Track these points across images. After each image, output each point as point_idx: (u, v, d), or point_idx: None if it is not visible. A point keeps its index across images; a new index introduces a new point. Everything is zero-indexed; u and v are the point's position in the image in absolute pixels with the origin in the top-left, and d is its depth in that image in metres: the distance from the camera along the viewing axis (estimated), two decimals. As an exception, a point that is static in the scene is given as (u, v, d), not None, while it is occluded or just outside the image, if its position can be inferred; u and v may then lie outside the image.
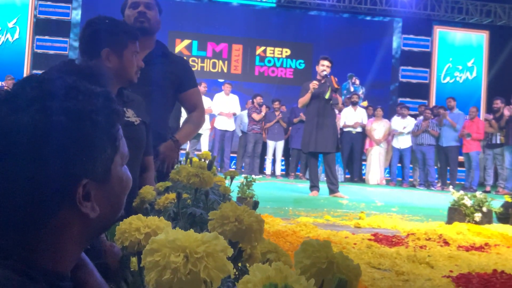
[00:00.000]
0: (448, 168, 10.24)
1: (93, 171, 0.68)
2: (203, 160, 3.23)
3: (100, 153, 0.69)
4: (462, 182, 10.31)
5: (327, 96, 6.73)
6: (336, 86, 6.73)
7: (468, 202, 4.71)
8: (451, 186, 6.15)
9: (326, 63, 6.82)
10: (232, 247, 0.82)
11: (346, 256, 0.60)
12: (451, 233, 4.02)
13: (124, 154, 0.76)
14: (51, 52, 12.45)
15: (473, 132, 9.79)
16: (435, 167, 10.31)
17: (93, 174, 0.68)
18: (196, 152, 9.66)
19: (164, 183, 1.89)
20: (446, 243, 3.68)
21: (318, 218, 4.55)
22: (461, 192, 4.92)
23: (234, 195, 4.06)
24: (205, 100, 10.02)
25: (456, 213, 4.75)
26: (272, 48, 13.28)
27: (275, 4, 13.34)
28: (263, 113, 10.27)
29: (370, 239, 3.65)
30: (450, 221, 4.69)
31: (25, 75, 11.02)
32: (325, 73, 6.77)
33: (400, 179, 10.62)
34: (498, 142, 9.66)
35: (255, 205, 1.33)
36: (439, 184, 10.17)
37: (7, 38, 12.33)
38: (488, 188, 9.69)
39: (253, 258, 0.86)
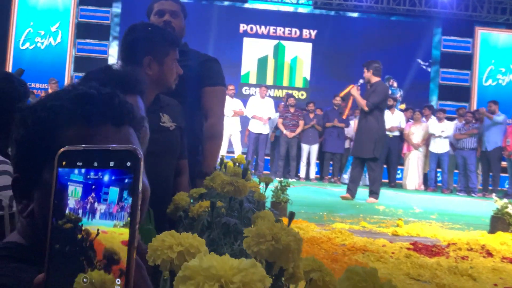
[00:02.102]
0: (491, 174, 9.87)
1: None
2: (237, 164, 3.21)
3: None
4: (505, 189, 9.91)
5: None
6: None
7: (512, 211, 4.51)
8: (494, 194, 5.91)
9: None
10: (269, 267, 0.78)
11: (395, 285, 0.55)
12: (495, 243, 3.86)
13: None
14: (92, 55, 12.77)
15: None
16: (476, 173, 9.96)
17: None
18: (229, 154, 9.68)
19: (198, 190, 1.87)
20: (490, 254, 3.53)
21: (354, 225, 4.45)
22: (505, 200, 4.72)
23: (268, 199, 4.03)
24: (236, 103, 10.01)
25: (499, 222, 4.56)
26: (308, 50, 13.17)
27: (312, 6, 13.24)
28: (298, 129, 10.22)
29: (408, 248, 3.53)
30: (493, 230, 4.50)
31: (66, 77, 11.42)
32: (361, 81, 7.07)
33: (439, 184, 10.32)
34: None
35: (291, 216, 1.28)
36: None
37: (50, 42, 12.73)
38: (533, 196, 9.29)
39: (296, 277, 0.82)
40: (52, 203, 0.43)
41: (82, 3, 12.82)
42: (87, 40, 12.83)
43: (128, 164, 0.42)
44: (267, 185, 2.34)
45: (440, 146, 9.99)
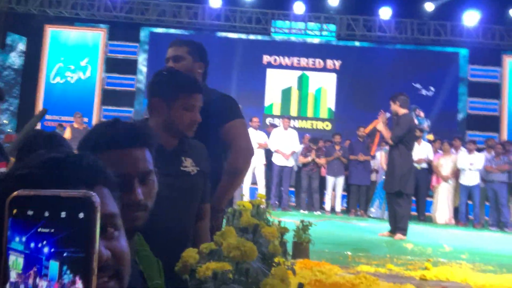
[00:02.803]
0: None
1: None
2: (255, 206, 3.13)
3: None
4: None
5: None
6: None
7: (549, 252, 4.26)
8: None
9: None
10: None
11: None
12: (530, 289, 3.63)
13: None
14: (120, 89, 13.06)
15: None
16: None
17: None
18: (253, 186, 9.59)
19: (209, 245, 1.79)
20: (525, 302, 3.31)
21: (380, 267, 4.27)
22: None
23: (290, 238, 3.91)
24: (260, 135, 9.92)
25: (535, 264, 4.31)
26: (333, 82, 13.16)
27: (335, 38, 13.27)
28: (309, 158, 10.05)
29: (436, 295, 3.35)
30: (528, 273, 4.26)
31: (95, 110, 11.70)
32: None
33: (471, 217, 9.93)
34: None
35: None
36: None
37: (79, 76, 13.09)
38: None
39: None
40: (3, 264, 0.38)
41: (111, 38, 13.20)
42: (115, 74, 13.14)
43: (81, 215, 0.38)
44: (282, 235, 2.27)
45: (471, 178, 9.65)
